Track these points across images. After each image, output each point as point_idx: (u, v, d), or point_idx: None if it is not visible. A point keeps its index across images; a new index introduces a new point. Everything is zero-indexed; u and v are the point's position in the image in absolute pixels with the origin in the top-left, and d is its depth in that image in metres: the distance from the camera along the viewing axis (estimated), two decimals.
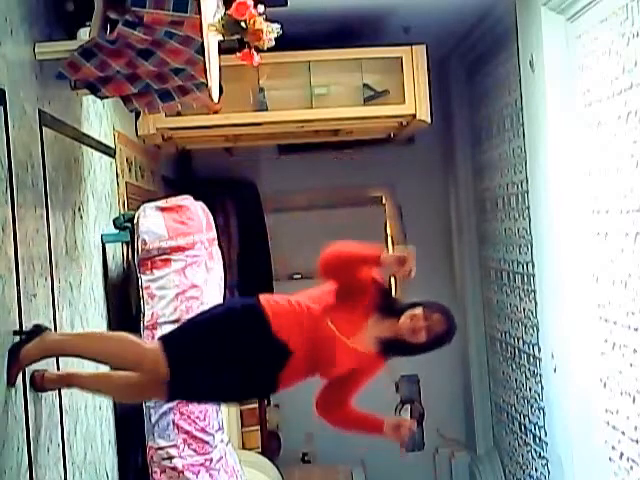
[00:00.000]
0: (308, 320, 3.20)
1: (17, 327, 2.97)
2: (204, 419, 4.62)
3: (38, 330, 3.08)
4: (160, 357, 3.09)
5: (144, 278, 4.55)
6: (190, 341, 3.18)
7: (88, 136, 4.28)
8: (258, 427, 7.15)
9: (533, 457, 6.76)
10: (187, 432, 4.55)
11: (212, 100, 3.91)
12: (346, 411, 3.60)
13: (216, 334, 3.18)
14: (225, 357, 3.16)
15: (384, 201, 8.84)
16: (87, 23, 3.65)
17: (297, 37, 5.03)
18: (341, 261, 3.18)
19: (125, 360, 3.16)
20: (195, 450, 4.58)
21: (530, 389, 6.67)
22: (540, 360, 6.23)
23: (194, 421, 4.58)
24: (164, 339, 3.26)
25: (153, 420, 4.54)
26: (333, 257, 3.20)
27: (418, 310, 3.21)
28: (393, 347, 3.32)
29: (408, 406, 8.82)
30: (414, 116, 6.18)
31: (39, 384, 3.14)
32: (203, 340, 3.17)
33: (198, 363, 3.15)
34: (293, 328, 3.19)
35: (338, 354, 3.23)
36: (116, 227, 4.71)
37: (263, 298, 3.28)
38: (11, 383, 2.89)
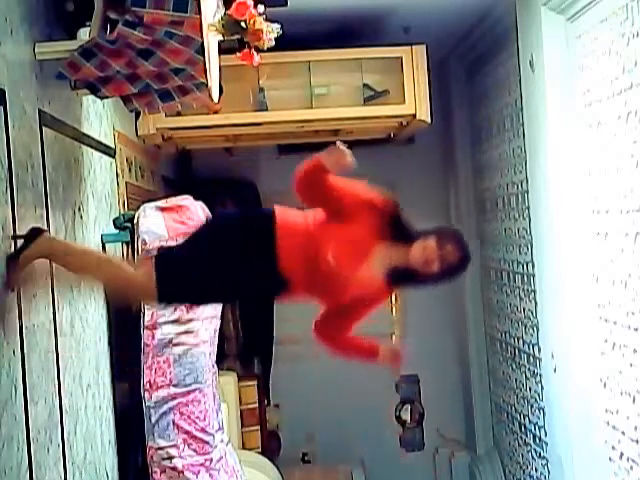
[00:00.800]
0: (313, 245, 3.03)
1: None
2: (204, 419, 4.62)
3: (35, 233, 3.03)
4: (151, 279, 3.00)
5: None
6: (186, 273, 3.05)
7: (88, 136, 4.28)
8: (258, 427, 7.15)
9: (533, 457, 6.76)
10: (187, 432, 4.56)
11: (212, 100, 3.91)
12: (344, 336, 3.41)
13: (218, 250, 3.04)
14: (220, 270, 3.02)
15: None
16: (87, 23, 3.65)
17: (297, 37, 5.03)
18: (304, 178, 3.10)
19: (113, 280, 3.12)
20: (195, 450, 4.58)
21: (530, 389, 6.67)
22: (540, 360, 6.23)
23: (194, 421, 4.59)
24: (158, 265, 3.08)
25: (153, 420, 4.54)
26: (297, 177, 3.11)
27: (431, 240, 3.04)
28: (403, 277, 3.14)
29: (408, 406, 8.82)
30: (414, 116, 6.18)
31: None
32: (201, 254, 3.05)
33: (188, 269, 3.03)
34: (298, 255, 3.03)
35: (342, 283, 3.06)
36: (116, 227, 4.71)
37: (279, 215, 3.13)
38: (11, 288, 2.91)
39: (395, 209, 3.12)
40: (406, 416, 8.84)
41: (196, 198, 4.94)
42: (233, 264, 3.03)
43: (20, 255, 2.95)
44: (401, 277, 3.14)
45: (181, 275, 3.05)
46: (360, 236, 3.06)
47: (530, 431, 6.78)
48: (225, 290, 3.15)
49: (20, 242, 3.01)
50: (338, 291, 3.10)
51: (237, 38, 3.65)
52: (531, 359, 6.59)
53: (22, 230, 3.04)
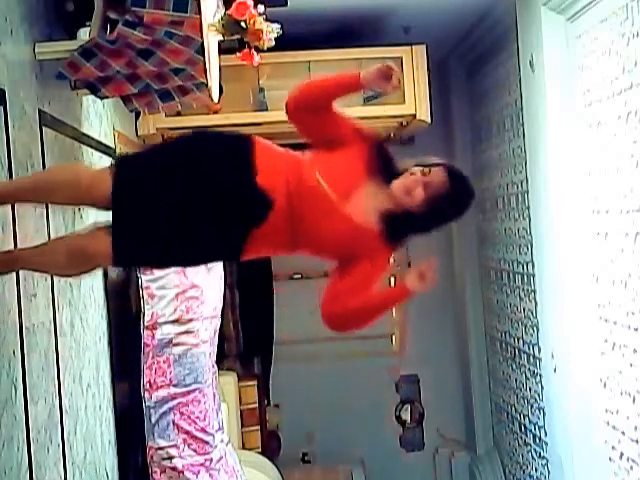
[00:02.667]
0: (295, 168, 2.60)
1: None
2: (204, 419, 4.62)
3: None
4: (106, 174, 2.56)
5: (144, 278, 4.55)
6: (150, 159, 2.63)
7: (88, 136, 4.28)
8: (258, 427, 7.15)
9: (533, 457, 6.76)
10: (187, 432, 4.56)
11: (212, 100, 3.91)
12: (359, 299, 2.72)
13: (186, 157, 2.57)
14: (189, 187, 2.50)
15: None
16: (87, 23, 3.65)
17: (297, 37, 5.03)
18: (310, 93, 2.65)
19: (60, 181, 2.64)
20: (195, 450, 4.58)
21: (530, 389, 6.67)
22: (540, 360, 6.23)
23: (194, 421, 4.59)
24: (119, 158, 2.76)
25: (153, 420, 4.54)
26: (301, 91, 2.66)
27: (414, 169, 2.67)
28: (395, 222, 2.63)
29: (408, 406, 8.82)
30: (414, 116, 6.18)
31: None
32: (166, 160, 2.58)
33: (151, 186, 2.51)
34: (279, 175, 2.57)
35: (329, 219, 2.58)
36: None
37: (257, 138, 2.67)
38: None
39: (382, 143, 2.81)
40: (406, 416, 8.84)
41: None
42: (206, 181, 2.53)
43: None
44: (394, 222, 2.64)
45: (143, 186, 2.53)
46: (350, 162, 2.67)
47: (530, 431, 6.79)
48: (196, 211, 2.51)
49: None
50: (325, 227, 2.60)
51: (237, 38, 3.66)
52: (531, 359, 6.59)
53: (22, 230, 3.04)
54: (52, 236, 3.43)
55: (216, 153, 2.58)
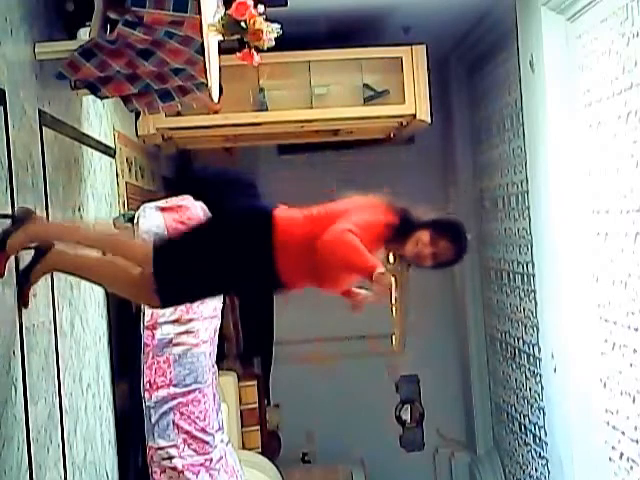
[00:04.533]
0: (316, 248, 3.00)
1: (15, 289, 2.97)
2: (204, 419, 4.62)
3: (25, 214, 2.96)
4: (148, 251, 3.02)
5: None
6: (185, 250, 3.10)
7: (88, 136, 4.28)
8: (258, 427, 7.15)
9: (533, 457, 6.76)
10: (187, 432, 4.55)
11: (212, 100, 3.91)
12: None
13: (216, 248, 3.08)
14: (219, 266, 3.04)
15: None
16: (87, 23, 3.65)
17: (297, 37, 5.02)
18: (338, 258, 2.96)
19: (108, 249, 3.12)
20: (195, 450, 4.58)
21: (530, 389, 6.67)
22: (540, 360, 6.23)
23: (194, 421, 4.58)
24: (157, 242, 3.14)
25: (153, 420, 4.54)
26: (334, 250, 2.97)
27: (425, 236, 3.02)
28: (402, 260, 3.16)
29: (408, 406, 8.82)
30: (414, 116, 6.18)
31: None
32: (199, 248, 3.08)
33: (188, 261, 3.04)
34: (298, 266, 3.04)
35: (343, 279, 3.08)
36: (116, 227, 4.71)
37: (279, 219, 3.11)
38: (1, 274, 2.81)
39: (398, 221, 3.09)
40: (406, 416, 8.84)
41: (196, 198, 4.93)
42: (231, 261, 3.04)
43: (8, 240, 2.84)
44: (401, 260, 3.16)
45: (181, 272, 3.04)
46: (364, 240, 2.99)
47: (530, 431, 6.79)
48: (223, 285, 3.18)
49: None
50: (336, 282, 3.10)
51: (237, 38, 3.65)
52: (531, 359, 6.59)
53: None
54: None
55: (242, 242, 3.06)
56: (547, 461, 6.31)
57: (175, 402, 4.56)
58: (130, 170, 5.53)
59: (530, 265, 6.33)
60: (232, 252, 3.05)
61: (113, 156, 4.93)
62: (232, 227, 3.15)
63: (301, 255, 3.03)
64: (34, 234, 2.95)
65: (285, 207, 3.22)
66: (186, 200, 4.84)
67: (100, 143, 4.58)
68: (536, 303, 6.17)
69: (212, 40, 3.60)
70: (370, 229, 3.03)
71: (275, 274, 3.03)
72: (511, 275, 7.03)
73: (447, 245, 3.06)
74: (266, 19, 3.56)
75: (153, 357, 4.54)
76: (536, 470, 6.70)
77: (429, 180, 8.57)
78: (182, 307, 4.53)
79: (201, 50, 3.37)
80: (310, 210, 3.19)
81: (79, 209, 3.99)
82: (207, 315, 4.70)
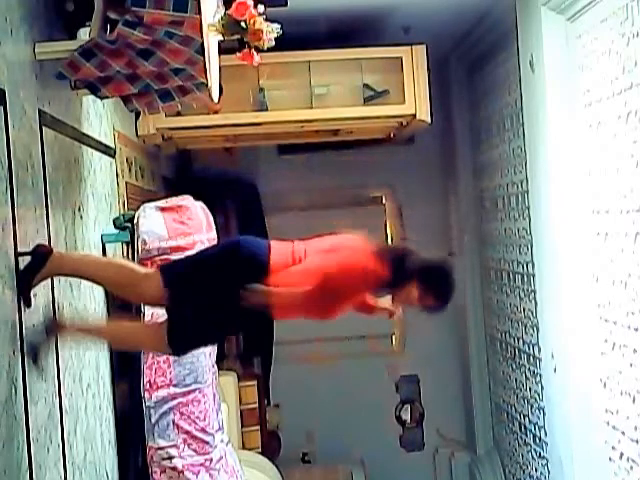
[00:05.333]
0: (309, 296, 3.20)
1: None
2: (204, 419, 4.62)
3: (40, 251, 3.15)
4: (157, 280, 3.23)
5: None
6: (190, 273, 3.30)
7: (88, 136, 4.28)
8: (258, 427, 7.15)
9: (533, 457, 6.76)
10: (187, 432, 4.55)
11: (212, 100, 3.91)
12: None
13: (215, 275, 3.26)
14: (220, 295, 3.23)
15: (384, 201, 8.84)
16: (87, 23, 3.65)
17: (297, 37, 5.02)
18: (334, 289, 3.19)
19: (121, 282, 3.31)
20: (195, 450, 4.58)
21: (530, 389, 6.67)
22: (540, 360, 6.23)
23: (194, 421, 4.58)
24: (163, 267, 3.39)
25: (153, 420, 4.54)
26: (328, 283, 3.18)
27: (414, 291, 3.22)
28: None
29: (408, 406, 8.82)
30: (414, 116, 6.18)
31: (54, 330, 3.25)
32: (201, 275, 3.27)
33: (194, 290, 3.23)
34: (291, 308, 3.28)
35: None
36: (116, 227, 4.71)
37: (273, 254, 3.27)
38: (28, 305, 3.05)
39: (388, 274, 3.21)
40: (406, 416, 8.84)
41: (196, 198, 4.94)
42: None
43: (31, 275, 3.08)
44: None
45: (191, 322, 3.25)
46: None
47: (530, 431, 6.79)
48: (229, 325, 3.42)
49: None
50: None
51: (237, 38, 3.65)
52: (531, 359, 6.59)
53: (22, 230, 3.04)
54: (52, 236, 3.43)
55: (242, 277, 3.21)
56: (547, 461, 6.31)
57: (175, 402, 4.56)
58: (130, 170, 5.53)
59: (530, 265, 6.33)
60: (228, 295, 3.21)
61: (113, 156, 4.93)
62: (227, 267, 3.29)
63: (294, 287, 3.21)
64: (54, 268, 3.19)
65: (278, 244, 3.36)
66: (186, 200, 4.84)
67: (100, 143, 4.58)
68: (536, 303, 6.17)
69: (212, 40, 3.60)
70: (361, 280, 3.23)
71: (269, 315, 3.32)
72: (511, 275, 7.03)
73: (435, 298, 3.27)
74: (266, 19, 3.56)
75: (153, 357, 4.54)
76: (536, 470, 6.70)
77: (429, 180, 8.58)
78: None
79: (201, 50, 3.37)
80: (301, 250, 3.35)
81: (79, 209, 3.99)
82: None
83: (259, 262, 3.24)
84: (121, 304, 4.71)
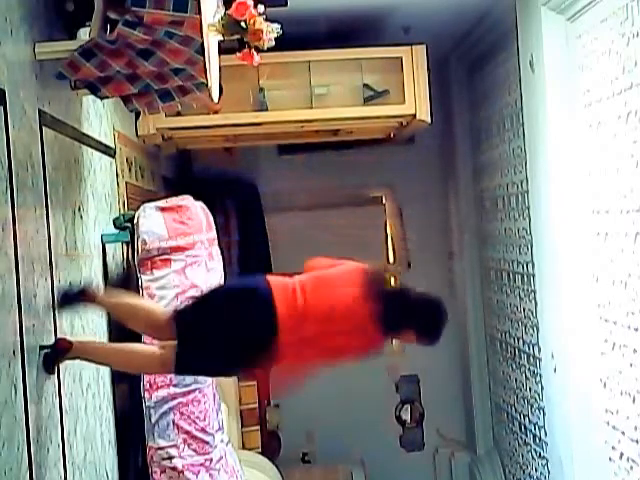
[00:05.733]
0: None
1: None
2: (204, 419, 4.62)
3: (61, 345, 3.42)
4: (171, 364, 3.48)
5: (144, 278, 4.55)
6: (200, 326, 3.47)
7: (88, 136, 4.28)
8: (258, 427, 7.15)
9: (533, 457, 6.76)
10: (187, 432, 4.55)
11: (212, 100, 3.91)
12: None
13: (225, 325, 3.43)
14: (229, 340, 3.43)
15: (384, 201, 8.84)
16: (87, 23, 3.65)
17: (297, 37, 5.03)
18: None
19: (136, 367, 3.74)
20: (195, 450, 4.58)
21: (530, 389, 6.67)
22: (540, 360, 6.23)
23: (194, 421, 4.58)
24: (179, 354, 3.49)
25: (153, 420, 4.54)
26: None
27: (411, 335, 3.55)
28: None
29: (408, 406, 8.82)
30: (414, 116, 6.18)
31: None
32: (212, 326, 3.45)
33: (203, 341, 3.43)
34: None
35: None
36: (116, 227, 4.71)
37: (276, 292, 3.41)
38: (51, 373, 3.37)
39: (385, 326, 3.49)
40: (406, 416, 8.84)
41: (196, 198, 4.94)
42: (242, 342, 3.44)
43: (52, 364, 3.37)
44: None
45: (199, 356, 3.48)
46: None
47: (530, 431, 6.79)
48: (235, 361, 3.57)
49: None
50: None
51: (237, 38, 3.65)
52: (531, 359, 6.59)
53: (22, 230, 3.04)
54: (52, 236, 3.43)
55: (251, 324, 3.41)
56: (547, 461, 6.31)
57: (175, 402, 4.56)
58: (130, 170, 5.53)
59: (530, 265, 6.33)
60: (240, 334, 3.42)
61: (113, 156, 4.93)
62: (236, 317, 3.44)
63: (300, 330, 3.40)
64: (74, 356, 3.48)
65: (279, 279, 3.52)
66: (186, 200, 4.84)
67: (100, 143, 4.58)
68: (536, 303, 6.17)
69: (212, 40, 3.60)
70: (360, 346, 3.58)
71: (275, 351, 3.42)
72: (511, 275, 7.03)
73: (431, 338, 3.57)
74: (266, 19, 3.56)
75: None
76: (536, 470, 6.70)
77: (429, 180, 8.58)
78: None
79: (201, 50, 3.37)
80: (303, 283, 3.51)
81: (79, 209, 3.99)
82: None
83: (266, 315, 3.40)
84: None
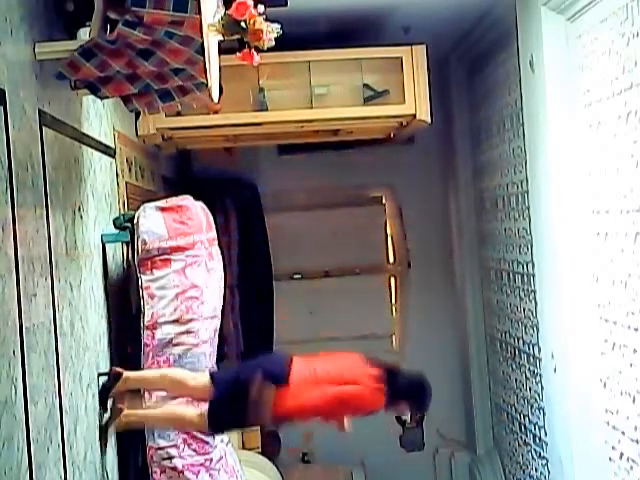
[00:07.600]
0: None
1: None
2: None
3: (115, 373, 4.24)
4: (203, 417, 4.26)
5: (144, 278, 4.55)
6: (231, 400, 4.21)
7: (88, 136, 4.28)
8: (258, 427, 7.13)
9: (533, 457, 6.76)
10: (187, 432, 4.55)
11: (212, 100, 3.91)
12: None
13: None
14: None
15: (384, 201, 8.84)
16: (87, 23, 3.65)
17: (297, 37, 5.03)
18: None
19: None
20: (195, 450, 4.58)
21: (530, 389, 6.67)
22: (540, 360, 6.23)
23: None
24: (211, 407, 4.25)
25: None
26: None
27: (406, 412, 4.74)
28: None
29: None
30: (414, 116, 6.18)
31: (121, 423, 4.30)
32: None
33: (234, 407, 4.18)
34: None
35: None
36: (116, 227, 4.71)
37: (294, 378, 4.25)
38: (105, 409, 4.19)
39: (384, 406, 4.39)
40: (406, 416, 8.82)
41: (196, 198, 4.94)
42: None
43: (107, 392, 4.20)
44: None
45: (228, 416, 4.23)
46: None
47: (530, 431, 6.79)
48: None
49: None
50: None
51: (237, 38, 3.65)
52: (531, 359, 6.59)
53: (22, 230, 3.04)
54: (52, 236, 3.43)
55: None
56: (547, 461, 6.31)
57: (175, 402, 4.55)
58: (130, 170, 5.54)
59: (530, 265, 6.33)
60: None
61: (113, 156, 4.93)
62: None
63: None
64: (129, 383, 4.29)
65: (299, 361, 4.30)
66: (186, 200, 4.84)
67: (100, 143, 4.58)
68: (536, 303, 6.17)
69: (212, 40, 3.60)
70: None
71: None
72: (511, 275, 7.03)
73: (421, 409, 4.76)
74: (266, 19, 3.56)
75: (153, 357, 4.54)
76: (536, 470, 6.70)
77: (429, 180, 8.58)
78: (182, 307, 4.54)
79: (201, 50, 3.37)
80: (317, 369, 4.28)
81: (79, 209, 3.99)
82: (207, 315, 4.70)
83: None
84: (120, 304, 4.72)
